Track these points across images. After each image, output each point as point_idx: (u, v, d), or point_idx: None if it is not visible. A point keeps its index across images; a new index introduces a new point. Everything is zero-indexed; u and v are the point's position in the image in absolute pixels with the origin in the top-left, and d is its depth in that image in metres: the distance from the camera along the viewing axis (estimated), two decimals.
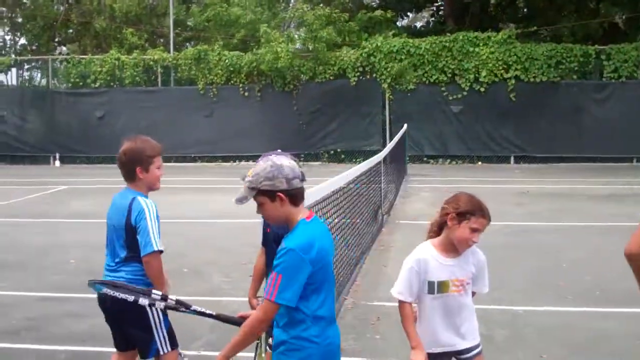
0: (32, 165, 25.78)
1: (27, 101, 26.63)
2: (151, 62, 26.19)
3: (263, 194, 3.40)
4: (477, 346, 4.03)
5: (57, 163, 25.43)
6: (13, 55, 30.95)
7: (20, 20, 33.39)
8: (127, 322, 4.75)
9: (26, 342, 6.72)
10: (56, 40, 33.73)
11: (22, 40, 33.72)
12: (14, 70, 29.12)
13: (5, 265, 9.91)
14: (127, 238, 4.76)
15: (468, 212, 3.82)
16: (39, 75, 30.85)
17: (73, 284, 8.80)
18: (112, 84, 26.26)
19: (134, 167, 4.80)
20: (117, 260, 4.89)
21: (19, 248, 11.01)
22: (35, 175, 21.77)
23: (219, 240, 11.56)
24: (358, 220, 9.30)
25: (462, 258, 3.94)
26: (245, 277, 8.90)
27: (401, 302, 3.92)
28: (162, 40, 30.23)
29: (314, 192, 5.96)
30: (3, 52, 32.27)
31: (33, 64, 30.58)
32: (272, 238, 4.74)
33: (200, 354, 6.31)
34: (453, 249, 3.91)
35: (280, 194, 3.38)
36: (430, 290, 3.90)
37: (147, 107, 25.35)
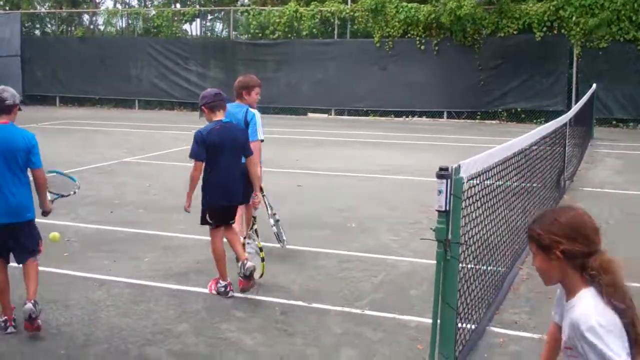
0: None
1: (209, 51, 27.49)
2: (328, 14, 26.14)
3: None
4: None
5: None
6: (197, 6, 32.00)
7: None
8: None
9: (195, 285, 6.81)
10: None
11: None
12: (197, 20, 30.13)
13: (182, 209, 10.15)
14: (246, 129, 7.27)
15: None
16: (221, 25, 31.77)
17: (244, 230, 8.89)
18: (289, 35, 26.51)
19: (241, 91, 7.58)
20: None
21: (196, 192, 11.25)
22: None
23: (387, 196, 11.29)
24: (538, 185, 8.68)
25: None
26: (413, 237, 8.64)
27: None
28: None
29: (494, 153, 5.51)
30: (188, 2, 33.41)
31: (216, 14, 31.50)
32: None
33: (364, 313, 6.11)
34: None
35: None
36: None
37: (323, 59, 25.40)
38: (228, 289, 6.49)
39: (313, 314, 6.10)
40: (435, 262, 4.45)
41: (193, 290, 6.68)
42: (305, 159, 15.09)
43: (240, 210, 7.25)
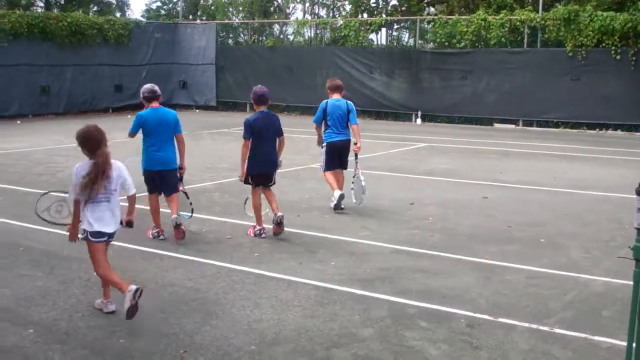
0: (394, 121, 26.81)
1: (395, 60, 27.63)
2: (518, 23, 25.45)
3: None
4: None
5: (419, 121, 26.09)
6: (384, 16, 32.28)
7: None
8: None
9: (379, 291, 6.84)
10: (425, 1, 34.42)
11: (394, 1, 35.02)
12: (383, 30, 30.40)
13: (367, 215, 10.29)
14: (347, 117, 10.51)
15: None
16: (407, 35, 31.84)
17: (427, 241, 8.84)
18: (477, 44, 26.09)
19: (340, 90, 10.70)
20: (343, 124, 10.57)
21: (380, 200, 11.37)
22: (397, 132, 22.55)
23: (579, 212, 10.78)
24: None
25: None
26: (606, 256, 8.20)
27: None
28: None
29: None
30: (375, 13, 33.79)
31: (402, 24, 31.63)
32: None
33: (553, 331, 5.85)
34: None
35: None
36: None
37: (511, 68, 24.74)
38: (261, 232, 8.88)
39: (499, 329, 5.93)
40: (631, 282, 4.18)
41: (378, 296, 6.70)
42: (491, 171, 14.76)
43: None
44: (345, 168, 10.80)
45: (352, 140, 10.68)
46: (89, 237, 6.00)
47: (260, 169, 8.89)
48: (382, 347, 5.51)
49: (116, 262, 7.68)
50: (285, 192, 11.87)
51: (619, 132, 23.30)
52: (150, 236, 8.74)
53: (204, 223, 9.62)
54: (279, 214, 8.73)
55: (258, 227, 8.91)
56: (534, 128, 24.46)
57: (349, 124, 10.57)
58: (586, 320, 6.15)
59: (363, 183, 10.54)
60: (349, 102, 10.61)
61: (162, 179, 8.68)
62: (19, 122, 24.13)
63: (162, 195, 8.88)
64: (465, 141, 20.16)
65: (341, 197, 10.27)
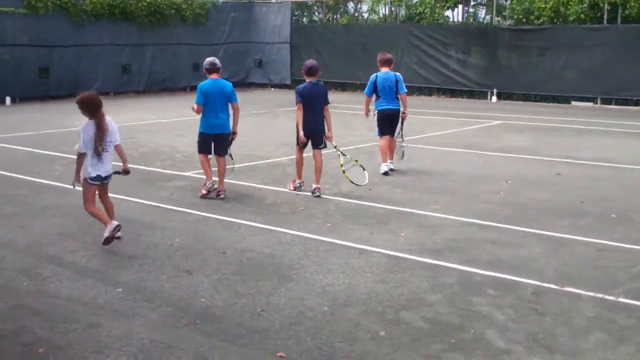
0: (469, 99, 26.67)
1: (471, 37, 27.42)
2: None
3: None
4: None
5: (494, 99, 25.89)
6: None
7: None
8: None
9: (448, 260, 7.04)
10: None
11: None
12: (459, 6, 30.15)
13: (439, 190, 10.46)
14: (396, 87, 11.52)
15: None
16: (484, 11, 31.48)
17: (497, 214, 8.97)
18: (555, 20, 25.66)
19: (389, 63, 11.80)
20: (393, 95, 11.59)
21: (452, 176, 11.52)
22: (472, 109, 22.47)
23: None
24: None
25: None
26: None
27: None
28: None
29: None
30: None
31: (479, 0, 31.28)
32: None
33: (618, 300, 5.97)
34: None
35: None
36: None
37: (590, 45, 24.24)
38: (301, 184, 10.13)
39: (565, 297, 6.08)
40: None
41: (447, 265, 6.92)
42: (566, 148, 14.66)
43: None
44: (393, 135, 11.80)
45: (401, 109, 11.72)
46: (89, 181, 7.37)
47: (311, 130, 10.00)
48: (449, 311, 5.73)
49: (199, 229, 8.12)
50: None
51: None
52: (211, 188, 9.77)
53: (279, 195, 9.97)
54: (315, 186, 9.97)
55: (298, 181, 10.20)
56: (613, 106, 23.99)
57: (398, 94, 11.62)
58: None
59: (404, 149, 12.16)
60: (397, 73, 11.67)
61: (217, 140, 9.83)
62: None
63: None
64: (541, 119, 19.99)
65: (387, 169, 11.59)
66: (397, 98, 11.64)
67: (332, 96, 25.74)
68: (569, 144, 15.35)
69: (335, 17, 33.55)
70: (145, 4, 27.22)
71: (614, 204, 9.62)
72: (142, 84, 27.65)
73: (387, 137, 11.71)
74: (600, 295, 6.11)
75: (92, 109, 7.29)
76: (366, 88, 11.91)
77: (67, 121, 17.70)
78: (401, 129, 11.98)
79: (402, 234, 7.99)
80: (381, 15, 31.92)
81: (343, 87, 30.19)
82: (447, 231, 8.18)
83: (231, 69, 30.78)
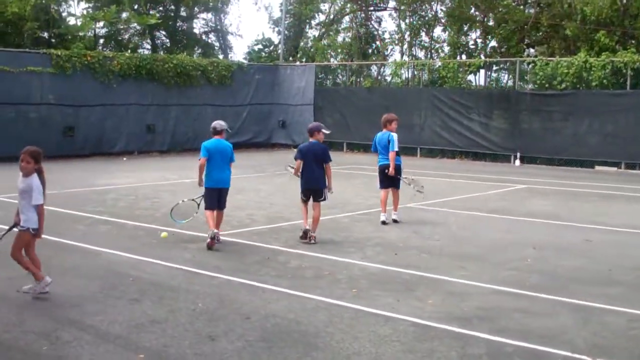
0: (492, 162, 26.58)
1: (493, 101, 27.51)
2: (621, 64, 24.96)
3: None
4: None
5: (517, 162, 25.79)
6: (482, 57, 32.23)
7: (491, 23, 34.62)
8: None
9: (477, 330, 6.86)
10: (525, 42, 34.18)
11: (493, 43, 34.90)
12: (482, 71, 30.34)
13: (465, 256, 10.30)
14: (388, 145, 12.80)
15: None
16: (506, 76, 31.63)
17: (526, 282, 8.79)
18: (577, 86, 25.70)
19: (386, 123, 13.06)
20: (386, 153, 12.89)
21: (478, 241, 11.37)
22: (495, 173, 22.37)
23: None
24: None
25: None
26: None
27: None
28: (633, 41, 28.60)
29: None
30: (474, 54, 33.77)
31: (501, 65, 31.47)
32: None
33: None
34: None
35: None
36: None
37: (613, 110, 24.23)
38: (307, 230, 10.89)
39: None
40: None
41: (475, 334, 6.73)
42: (592, 213, 14.48)
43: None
44: (398, 187, 13.01)
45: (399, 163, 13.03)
46: (31, 231, 7.70)
47: (308, 185, 10.99)
48: None
49: (223, 293, 8.01)
50: (382, 230, 12.06)
51: None
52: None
53: (303, 258, 9.86)
54: (307, 227, 10.91)
55: (305, 226, 10.95)
56: (637, 171, 23.79)
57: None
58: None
59: (419, 187, 13.55)
60: (391, 133, 12.87)
61: (219, 194, 10.76)
62: (124, 158, 25.23)
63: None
64: (565, 183, 19.82)
65: (385, 219, 12.64)
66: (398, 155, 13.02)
67: (354, 157, 25.91)
68: (596, 209, 15.17)
69: (358, 80, 33.85)
70: (171, 65, 27.69)
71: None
72: (166, 144, 27.91)
73: (386, 190, 12.90)
74: None
75: (40, 160, 7.72)
76: (372, 146, 13.54)
77: (90, 179, 17.81)
78: (409, 178, 13.56)
79: (429, 301, 7.83)
80: (404, 78, 32.15)
81: (366, 148, 30.23)
82: (475, 299, 8.01)
83: (255, 129, 31.06)
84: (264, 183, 18.31)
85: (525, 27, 32.48)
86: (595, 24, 28.48)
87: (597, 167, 24.49)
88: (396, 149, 12.84)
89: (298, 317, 7.19)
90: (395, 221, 12.71)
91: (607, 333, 6.88)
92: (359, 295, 8.01)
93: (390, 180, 12.87)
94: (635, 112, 23.83)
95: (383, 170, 12.91)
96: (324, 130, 11.26)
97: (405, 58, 35.48)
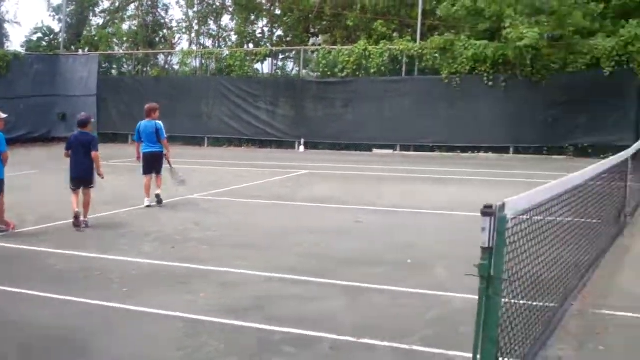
0: (278, 149, 27.09)
1: (280, 89, 28.01)
2: (397, 52, 26.33)
3: None
4: None
5: (302, 148, 26.49)
6: (269, 46, 32.70)
7: (278, 12, 35.19)
8: None
9: (249, 320, 6.91)
10: (310, 31, 35.06)
11: (279, 32, 35.48)
12: (269, 60, 30.79)
13: (246, 245, 10.38)
14: (155, 134, 13.78)
15: None
16: (292, 64, 32.33)
17: (302, 267, 9.00)
18: (357, 73, 26.79)
19: (150, 113, 13.90)
20: (154, 140, 13.80)
21: (259, 229, 11.51)
22: (280, 159, 22.81)
23: (449, 234, 11.24)
24: (595, 221, 8.55)
25: None
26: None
27: None
28: (409, 30, 30.26)
29: (545, 189, 5.48)
30: (261, 43, 34.17)
31: (287, 54, 32.10)
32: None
33: (412, 349, 6.11)
34: None
35: None
36: None
37: (390, 96, 25.58)
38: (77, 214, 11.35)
39: (362, 350, 6.13)
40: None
41: (247, 325, 6.77)
42: (366, 195, 15.17)
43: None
44: (159, 173, 13.78)
45: (164, 151, 13.84)
46: None
47: (76, 174, 11.60)
48: None
49: None
50: (164, 223, 11.87)
51: (490, 154, 24.40)
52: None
53: (74, 260, 9.44)
54: (77, 210, 11.34)
55: (76, 209, 11.35)
56: (411, 153, 25.28)
57: (160, 139, 13.69)
58: (445, 337, 6.42)
59: (182, 178, 14.37)
60: (157, 122, 13.77)
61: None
62: None
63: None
64: (344, 167, 20.62)
65: (149, 203, 13.42)
66: (159, 142, 13.68)
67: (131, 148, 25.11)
68: (370, 191, 15.93)
69: (145, 69, 33.08)
70: None
71: (412, 250, 9.95)
72: None
73: (148, 176, 13.63)
74: (395, 345, 6.21)
75: None
76: (134, 135, 14.20)
77: None
78: (170, 165, 14.04)
79: (201, 295, 7.78)
80: (192, 67, 31.86)
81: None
82: (250, 288, 8.06)
83: (33, 122, 29.42)
84: (39, 181, 17.45)
85: (310, 16, 33.33)
86: (374, 14, 29.82)
87: (375, 151, 25.70)
88: (166, 135, 13.83)
89: (67, 323, 6.86)
90: (159, 201, 13.45)
91: (373, 313, 7.19)
92: (130, 295, 7.79)
93: (152, 166, 13.68)
94: (410, 97, 25.29)
95: (152, 157, 13.70)
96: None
97: (194, 47, 35.18)
